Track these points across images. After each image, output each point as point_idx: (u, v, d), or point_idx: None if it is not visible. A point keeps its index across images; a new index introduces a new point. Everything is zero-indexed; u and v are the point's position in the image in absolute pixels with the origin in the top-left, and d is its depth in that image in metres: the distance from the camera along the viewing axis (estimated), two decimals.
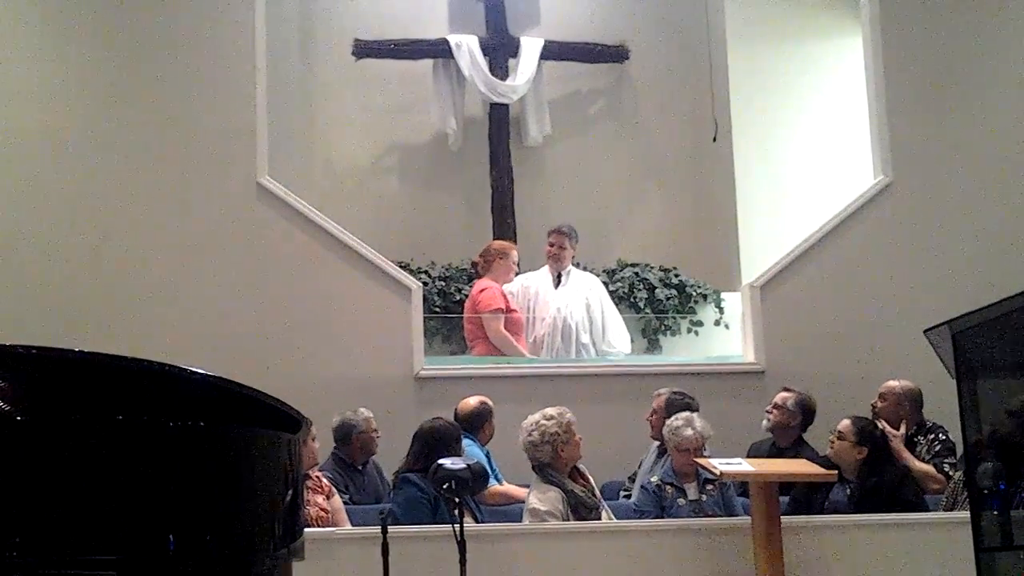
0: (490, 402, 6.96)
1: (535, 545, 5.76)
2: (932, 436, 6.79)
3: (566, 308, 8.36)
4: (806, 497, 6.31)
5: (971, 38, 8.55)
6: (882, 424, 6.67)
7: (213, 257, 7.82)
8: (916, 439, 6.82)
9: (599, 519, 6.00)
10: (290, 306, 7.80)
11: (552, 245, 8.52)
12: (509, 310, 8.22)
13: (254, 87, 8.02)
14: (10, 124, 7.86)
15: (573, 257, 8.62)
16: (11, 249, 7.71)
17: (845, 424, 6.33)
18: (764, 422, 7.04)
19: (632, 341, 8.90)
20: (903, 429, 6.73)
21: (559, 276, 8.52)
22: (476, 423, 6.87)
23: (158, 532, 3.18)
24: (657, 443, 6.96)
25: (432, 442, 6.18)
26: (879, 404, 6.88)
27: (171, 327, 7.58)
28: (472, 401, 6.97)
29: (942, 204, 8.36)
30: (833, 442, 6.31)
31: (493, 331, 8.13)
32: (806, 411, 6.98)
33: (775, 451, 6.94)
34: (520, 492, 6.54)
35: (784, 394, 7.06)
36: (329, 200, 8.90)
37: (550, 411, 6.03)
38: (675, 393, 6.94)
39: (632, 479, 7.12)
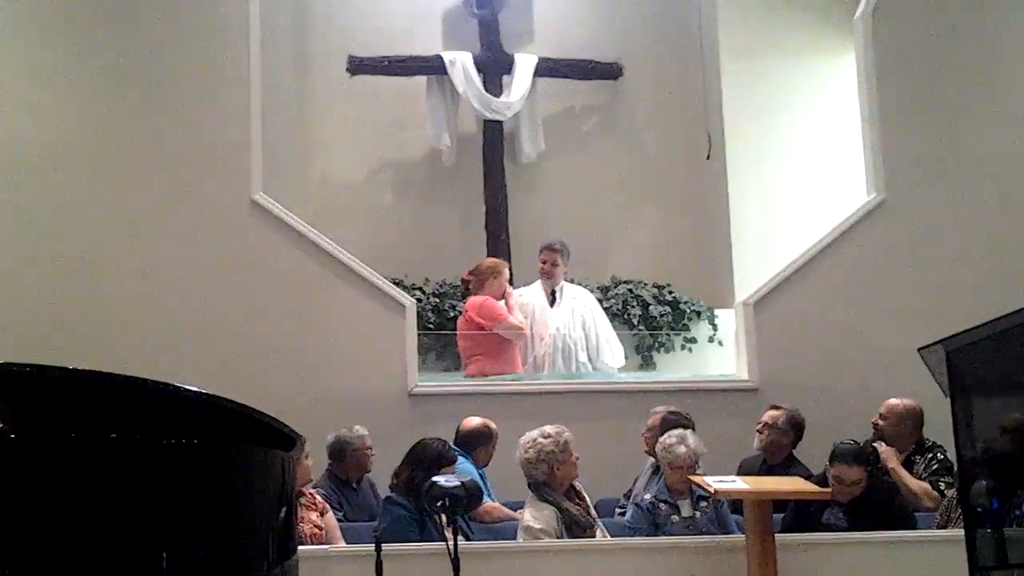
0: (494, 426, 6.93)
1: (529, 563, 5.75)
2: (930, 455, 6.80)
3: (565, 327, 8.36)
4: (797, 519, 6.30)
5: (965, 56, 8.58)
6: (881, 447, 6.70)
7: (207, 274, 7.81)
8: (914, 458, 6.83)
9: (594, 538, 5.99)
10: (284, 323, 7.79)
11: (544, 262, 8.52)
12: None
13: (248, 103, 8.02)
14: (3, 141, 7.85)
15: (566, 273, 8.62)
16: (4, 266, 7.69)
17: (855, 475, 6.24)
18: (756, 442, 7.05)
19: (626, 358, 8.91)
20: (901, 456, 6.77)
21: (553, 293, 8.52)
22: (473, 443, 6.86)
23: (151, 550, 3.17)
24: (651, 460, 6.96)
25: (412, 459, 6.20)
26: (880, 422, 6.88)
27: (164, 343, 7.56)
28: (475, 420, 6.96)
29: (935, 222, 8.38)
30: (844, 489, 6.24)
31: (505, 328, 8.12)
32: (797, 429, 6.99)
33: (765, 468, 6.94)
34: (510, 512, 6.55)
35: (773, 412, 7.06)
36: (323, 216, 8.90)
37: (548, 429, 6.03)
38: (671, 412, 6.93)
39: (628, 496, 7.11)
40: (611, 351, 8.47)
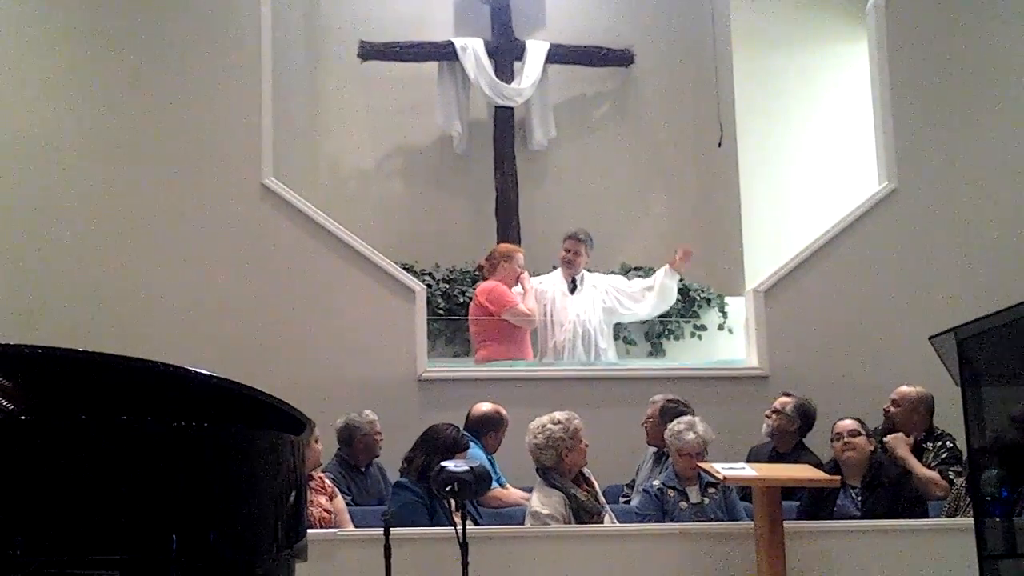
0: (504, 412, 6.93)
1: (537, 548, 5.75)
2: (940, 443, 6.79)
3: (584, 314, 8.34)
4: (813, 505, 6.31)
5: (977, 45, 8.55)
6: (888, 438, 6.71)
7: (217, 258, 7.82)
8: (925, 445, 6.81)
9: (602, 524, 6.00)
10: (294, 307, 7.80)
11: (568, 251, 8.47)
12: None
13: (259, 88, 8.03)
14: (14, 125, 7.87)
15: (587, 263, 8.59)
16: (16, 250, 7.72)
17: (851, 424, 6.37)
18: (764, 427, 7.06)
19: (635, 345, 8.92)
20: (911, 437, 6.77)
21: (573, 281, 8.50)
22: (483, 428, 6.86)
23: (161, 532, 3.19)
24: (653, 449, 6.97)
25: (425, 445, 6.19)
26: (892, 410, 6.88)
27: (175, 327, 7.58)
28: (485, 406, 6.95)
29: (947, 210, 8.36)
30: (848, 443, 6.31)
31: (513, 313, 8.13)
32: (805, 416, 6.98)
33: (775, 456, 6.94)
34: (517, 493, 6.57)
35: (784, 399, 7.07)
36: (333, 201, 8.91)
37: (558, 415, 6.03)
38: (670, 400, 6.93)
39: (631, 485, 7.12)
40: (640, 303, 8.45)
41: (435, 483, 5.26)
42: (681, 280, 9.16)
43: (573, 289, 8.46)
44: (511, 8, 9.69)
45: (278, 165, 8.13)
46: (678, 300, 9.07)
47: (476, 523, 5.94)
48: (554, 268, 8.64)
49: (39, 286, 7.66)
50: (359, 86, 9.62)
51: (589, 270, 8.82)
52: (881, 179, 8.50)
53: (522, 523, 6.03)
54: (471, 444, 6.60)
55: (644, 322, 8.93)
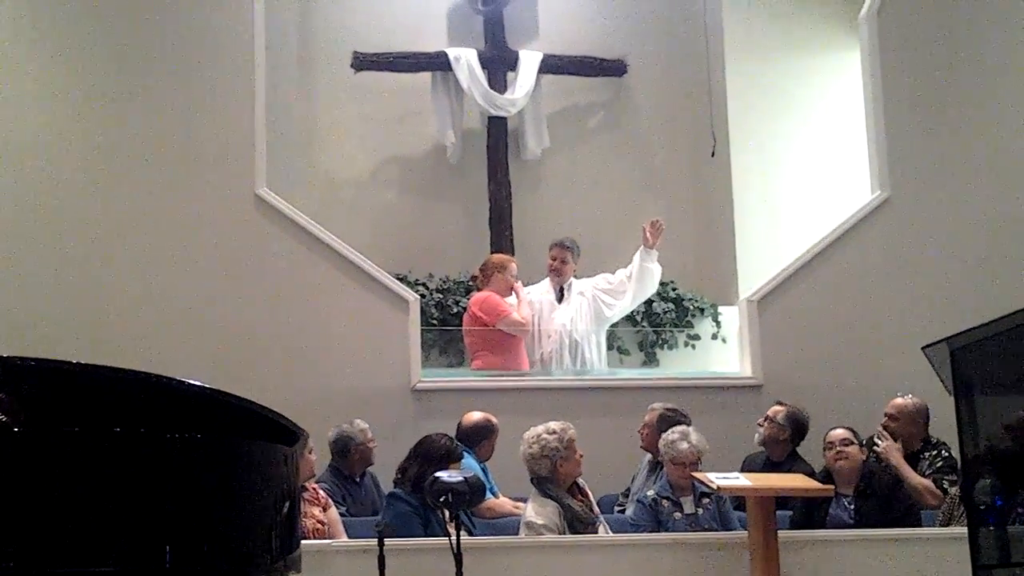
0: (495, 420, 6.94)
1: (531, 558, 5.76)
2: (935, 452, 6.78)
3: (571, 323, 8.34)
4: (806, 514, 6.31)
5: (969, 54, 8.57)
6: (884, 443, 6.70)
7: (210, 268, 7.82)
8: (922, 455, 6.80)
9: (596, 534, 5.99)
10: (287, 318, 7.80)
11: (554, 259, 8.49)
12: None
13: (253, 98, 8.03)
14: (7, 133, 7.86)
15: (574, 271, 8.60)
16: (7, 259, 7.70)
17: (843, 433, 6.38)
18: (756, 435, 7.06)
19: (629, 355, 8.91)
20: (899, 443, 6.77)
21: (561, 290, 8.50)
22: (476, 438, 6.86)
23: (155, 544, 3.18)
24: (648, 457, 6.97)
25: (420, 455, 6.18)
26: (891, 424, 6.83)
27: (168, 338, 7.57)
28: (476, 415, 6.97)
29: (940, 219, 8.37)
30: (841, 452, 6.32)
31: (507, 323, 8.12)
32: (797, 425, 6.98)
33: (769, 465, 6.94)
34: (510, 504, 6.57)
35: (776, 407, 7.08)
36: (327, 212, 8.90)
37: (553, 425, 6.04)
38: (668, 409, 6.94)
39: (626, 494, 7.12)
40: (623, 295, 8.42)
41: (429, 493, 5.25)
42: (675, 289, 9.17)
43: (561, 298, 8.46)
44: (504, 18, 9.68)
45: (272, 176, 8.13)
46: (671, 309, 9.07)
47: (470, 533, 5.94)
48: (547, 277, 8.64)
49: (31, 296, 7.64)
50: (352, 96, 9.61)
51: (577, 277, 8.83)
52: (874, 188, 8.52)
53: (516, 533, 6.03)
54: (465, 454, 6.61)
55: (637, 331, 8.93)
